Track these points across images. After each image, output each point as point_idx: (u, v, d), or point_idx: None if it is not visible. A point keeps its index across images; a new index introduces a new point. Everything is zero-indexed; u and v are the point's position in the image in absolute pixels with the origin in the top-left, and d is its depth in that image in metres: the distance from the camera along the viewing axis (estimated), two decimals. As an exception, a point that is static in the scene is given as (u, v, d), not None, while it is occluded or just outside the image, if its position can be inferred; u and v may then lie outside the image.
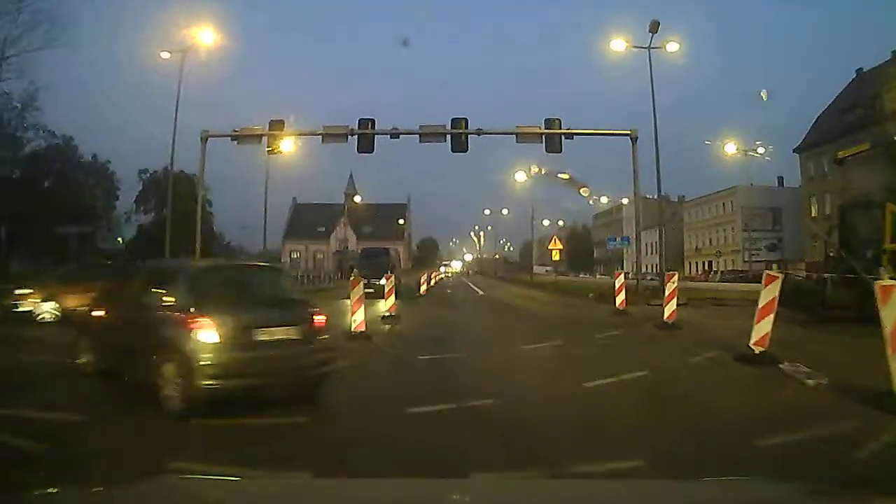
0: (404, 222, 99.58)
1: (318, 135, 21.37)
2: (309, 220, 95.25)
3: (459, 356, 8.57)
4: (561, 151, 20.52)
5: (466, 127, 20.37)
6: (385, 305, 15.01)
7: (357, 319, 10.88)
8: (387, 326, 13.16)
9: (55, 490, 2.38)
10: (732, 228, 64.69)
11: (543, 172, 36.71)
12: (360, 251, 29.77)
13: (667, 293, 12.23)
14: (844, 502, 2.07)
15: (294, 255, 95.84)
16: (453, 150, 20.17)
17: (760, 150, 44.05)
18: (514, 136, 20.53)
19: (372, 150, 20.57)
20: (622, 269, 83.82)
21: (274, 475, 3.45)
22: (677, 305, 19.38)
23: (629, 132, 21.12)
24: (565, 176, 35.87)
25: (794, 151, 54.23)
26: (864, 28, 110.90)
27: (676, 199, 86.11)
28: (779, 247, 62.07)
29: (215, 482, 2.42)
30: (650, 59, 21.56)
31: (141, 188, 38.06)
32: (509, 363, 8.13)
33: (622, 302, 15.81)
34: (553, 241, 32.25)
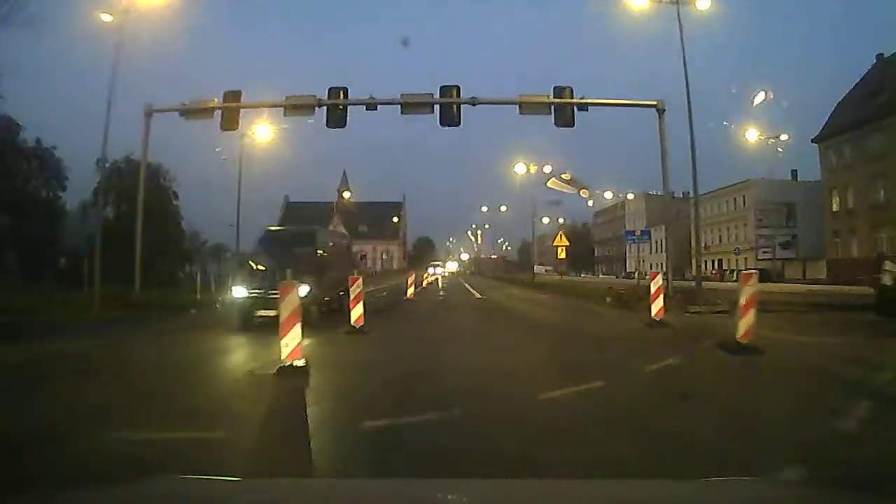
0: (399, 220, 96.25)
1: (280, 106, 17.76)
2: (301, 218, 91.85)
3: (439, 419, 4.86)
4: (573, 125, 16.94)
5: (458, 95, 16.75)
6: (352, 316, 11.42)
7: (289, 345, 7.23)
8: (341, 352, 9.52)
9: (54, 490, 2.26)
10: (744, 225, 61.12)
11: (547, 171, 33.83)
12: (262, 234, 15.59)
13: (741, 301, 8.51)
14: (844, 502, 1.97)
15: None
16: (442, 124, 16.57)
17: (784, 136, 40.43)
18: (518, 106, 16.92)
19: (344, 125, 16.97)
20: (626, 268, 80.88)
21: (274, 475, 3.24)
22: (720, 312, 15.83)
23: (655, 103, 17.53)
24: (566, 176, 33.12)
25: (812, 141, 50.69)
26: (870, 15, 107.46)
27: (681, 196, 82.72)
28: (793, 244, 58.70)
29: (215, 482, 2.28)
30: (679, 17, 17.93)
31: (100, 179, 34.08)
32: (526, 441, 4.36)
33: (660, 310, 12.15)
34: (559, 237, 28.67)
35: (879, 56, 46.86)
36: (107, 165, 33.91)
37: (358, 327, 11.31)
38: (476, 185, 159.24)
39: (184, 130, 19.57)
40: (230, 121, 18.14)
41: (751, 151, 42.60)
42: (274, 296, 9.06)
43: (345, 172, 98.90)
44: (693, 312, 14.63)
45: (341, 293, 13.70)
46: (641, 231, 25.04)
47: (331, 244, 15.83)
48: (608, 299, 18.73)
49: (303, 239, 14.71)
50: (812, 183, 56.64)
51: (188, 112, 18.74)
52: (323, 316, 13.05)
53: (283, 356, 7.22)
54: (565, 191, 33.57)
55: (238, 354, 9.78)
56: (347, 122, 16.80)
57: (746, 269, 9.20)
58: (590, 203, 66.95)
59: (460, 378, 6.93)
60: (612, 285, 29.86)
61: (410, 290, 22.14)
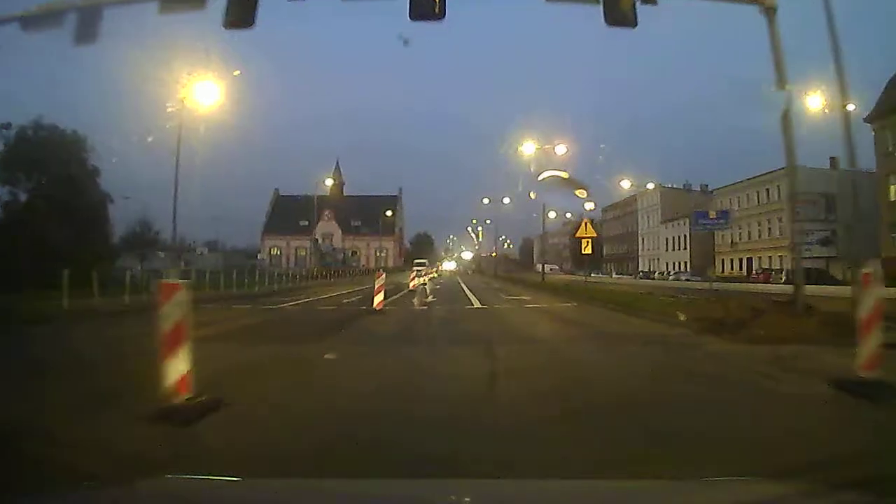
0: (393, 214, 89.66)
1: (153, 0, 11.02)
2: (291, 212, 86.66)
3: None
4: (634, 24, 10.19)
5: (444, -27, 9.97)
6: (169, 376, 4.67)
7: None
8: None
9: (54, 490, 2.22)
10: (779, 219, 54.18)
11: (560, 151, 29.49)
12: None
13: None
14: (844, 502, 1.93)
15: (275, 251, 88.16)
16: (413, 16, 9.72)
17: (851, 106, 33.75)
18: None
19: (251, 22, 10.21)
20: (640, 267, 73.68)
21: (274, 475, 3.19)
22: (883, 345, 9.09)
23: (763, -1, 10.77)
24: (564, 175, 29.61)
25: (865, 121, 43.80)
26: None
27: (699, 189, 75.93)
28: (833, 240, 51.91)
29: (215, 482, 2.28)
30: None
31: (4, 151, 26.80)
32: None
33: (875, 358, 5.40)
34: (584, 226, 21.93)
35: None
36: (16, 133, 27.29)
37: (190, 409, 4.56)
38: (479, 182, 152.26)
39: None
40: (87, 29, 11.44)
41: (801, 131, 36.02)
42: None
43: (338, 162, 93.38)
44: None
45: None
46: (718, 213, 17.96)
47: None
48: (682, 317, 11.78)
49: None
50: (856, 172, 49.86)
51: (30, 21, 12.14)
52: None
53: None
54: (561, 190, 29.25)
55: None
56: (256, 20, 10.06)
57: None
58: (588, 206, 60.41)
59: None
60: (652, 290, 23.04)
61: (378, 298, 15.14)
